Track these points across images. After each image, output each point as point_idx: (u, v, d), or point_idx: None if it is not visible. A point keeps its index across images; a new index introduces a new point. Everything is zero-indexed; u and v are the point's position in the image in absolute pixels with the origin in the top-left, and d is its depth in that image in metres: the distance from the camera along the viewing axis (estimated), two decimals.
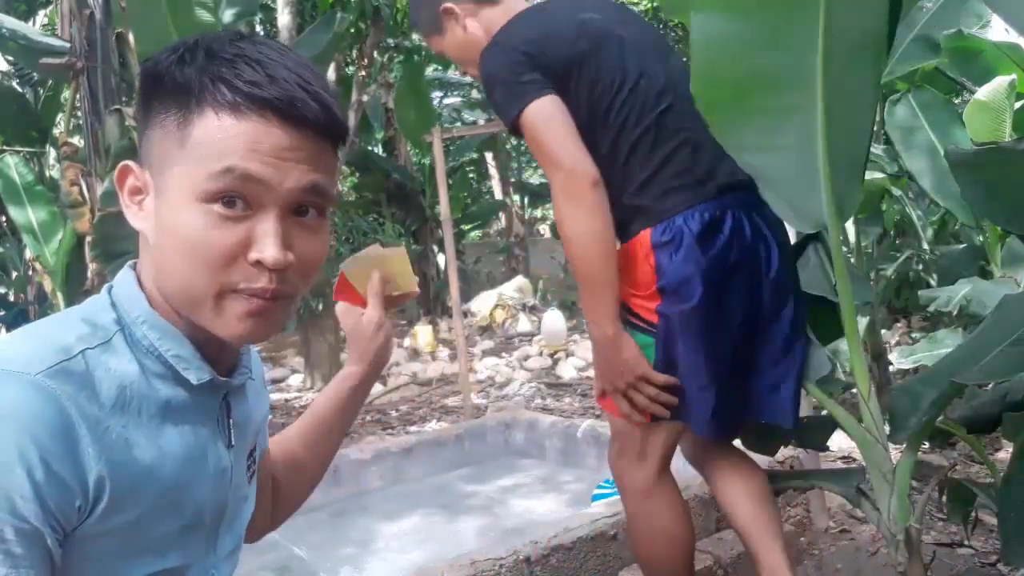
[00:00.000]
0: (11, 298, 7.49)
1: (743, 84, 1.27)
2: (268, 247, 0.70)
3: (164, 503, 0.73)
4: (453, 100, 12.23)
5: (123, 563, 0.71)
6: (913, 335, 5.16)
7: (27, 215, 5.41)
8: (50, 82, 6.75)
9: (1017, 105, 2.82)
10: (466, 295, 8.37)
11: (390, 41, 8.13)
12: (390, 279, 1.01)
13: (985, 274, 3.28)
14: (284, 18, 6.65)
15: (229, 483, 0.82)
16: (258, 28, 8.25)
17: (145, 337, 0.74)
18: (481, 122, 10.52)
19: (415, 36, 9.38)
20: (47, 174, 6.73)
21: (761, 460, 2.37)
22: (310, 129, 0.72)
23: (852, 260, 3.58)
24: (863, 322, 3.17)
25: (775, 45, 1.20)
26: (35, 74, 6.76)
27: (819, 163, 1.27)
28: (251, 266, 0.71)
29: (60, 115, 7.05)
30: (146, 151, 0.75)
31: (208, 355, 0.78)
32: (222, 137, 0.69)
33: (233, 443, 0.83)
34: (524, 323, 7.87)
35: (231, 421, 0.83)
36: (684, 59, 1.52)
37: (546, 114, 1.40)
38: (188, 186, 0.70)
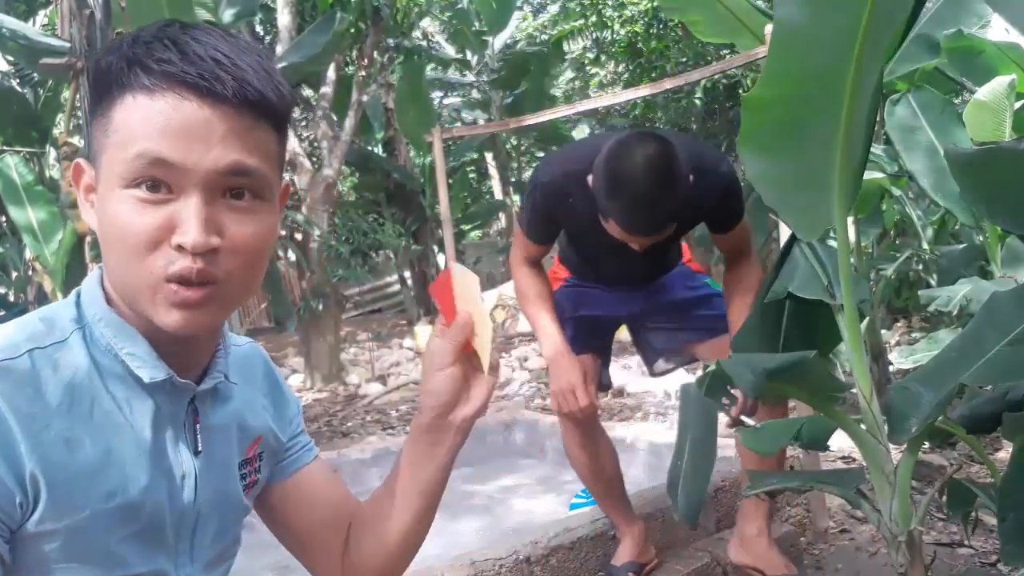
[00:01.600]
0: (11, 298, 7.48)
1: (801, 81, 1.22)
2: (189, 230, 0.67)
3: (114, 506, 0.70)
4: (453, 100, 12.22)
5: (77, 567, 0.69)
6: (913, 335, 5.16)
7: (27, 215, 5.40)
8: (50, 82, 6.75)
9: (1017, 105, 2.82)
10: None
11: (390, 41, 8.13)
12: (476, 333, 0.85)
13: (985, 274, 3.27)
14: (284, 18, 6.65)
15: (194, 490, 0.78)
16: (258, 28, 8.25)
17: (103, 336, 0.73)
18: (481, 122, 10.51)
19: (415, 36, 9.39)
20: (47, 174, 6.72)
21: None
22: (228, 105, 0.68)
23: (852, 260, 3.57)
24: (863, 322, 3.16)
25: (822, 40, 1.16)
26: (35, 74, 6.75)
27: (835, 164, 1.25)
28: (174, 251, 0.68)
29: (60, 115, 7.05)
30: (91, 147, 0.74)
31: (168, 355, 0.75)
32: (136, 119, 0.68)
33: (200, 449, 0.79)
34: (524, 323, 7.87)
35: (198, 426, 0.79)
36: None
37: None
38: (113, 173, 0.69)
